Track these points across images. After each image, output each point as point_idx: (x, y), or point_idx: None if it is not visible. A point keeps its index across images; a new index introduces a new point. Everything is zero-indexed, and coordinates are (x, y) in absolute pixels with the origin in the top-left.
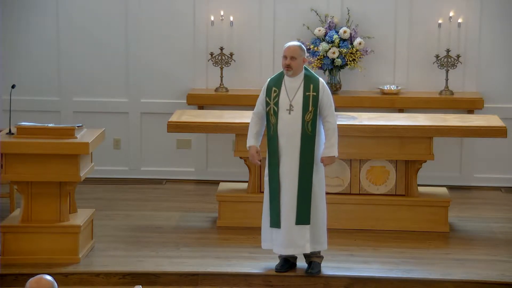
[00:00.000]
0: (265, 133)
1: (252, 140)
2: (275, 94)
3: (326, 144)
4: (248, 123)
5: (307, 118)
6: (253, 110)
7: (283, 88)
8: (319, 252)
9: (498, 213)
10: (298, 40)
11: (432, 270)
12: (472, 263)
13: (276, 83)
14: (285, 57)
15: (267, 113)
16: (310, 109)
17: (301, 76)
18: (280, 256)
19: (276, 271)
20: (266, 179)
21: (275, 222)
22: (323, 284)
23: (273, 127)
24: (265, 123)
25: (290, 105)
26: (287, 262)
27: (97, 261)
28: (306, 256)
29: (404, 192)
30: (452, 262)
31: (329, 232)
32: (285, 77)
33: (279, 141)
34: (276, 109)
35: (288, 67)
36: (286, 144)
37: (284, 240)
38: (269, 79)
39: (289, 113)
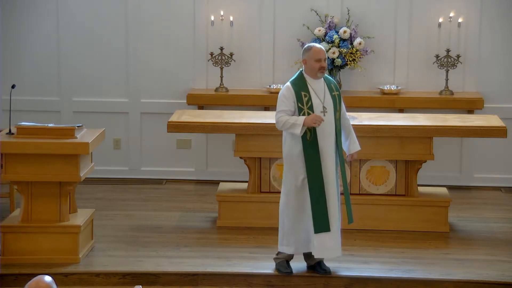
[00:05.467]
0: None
1: (299, 117)
2: (306, 98)
3: (351, 140)
4: (248, 123)
5: (337, 116)
6: (254, 110)
7: (311, 90)
8: None
9: (498, 213)
10: (298, 40)
11: (432, 270)
12: (472, 263)
13: (302, 87)
14: (319, 60)
15: None
16: (338, 108)
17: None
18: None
19: (285, 274)
20: (300, 184)
21: (324, 226)
22: (323, 284)
23: (311, 132)
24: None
25: (324, 107)
26: (288, 263)
27: (97, 261)
28: (311, 257)
29: (404, 192)
30: (452, 262)
31: None
32: (308, 80)
33: (319, 144)
34: (311, 113)
35: (324, 69)
36: (326, 145)
37: (335, 243)
38: (291, 84)
39: (324, 114)
